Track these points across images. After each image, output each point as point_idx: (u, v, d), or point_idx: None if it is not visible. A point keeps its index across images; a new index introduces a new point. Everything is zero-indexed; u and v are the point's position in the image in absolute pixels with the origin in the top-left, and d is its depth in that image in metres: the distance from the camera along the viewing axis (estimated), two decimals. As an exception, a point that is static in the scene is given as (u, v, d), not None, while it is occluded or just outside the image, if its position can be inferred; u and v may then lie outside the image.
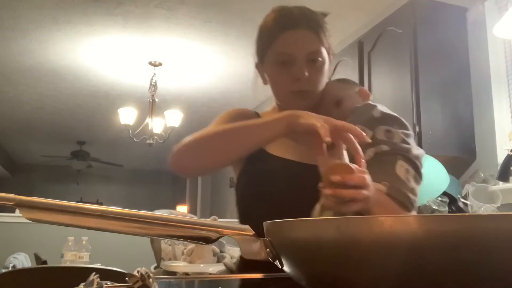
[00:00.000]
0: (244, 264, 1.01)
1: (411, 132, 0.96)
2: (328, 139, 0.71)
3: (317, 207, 0.80)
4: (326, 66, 1.03)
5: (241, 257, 1.04)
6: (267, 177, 1.01)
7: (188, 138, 0.92)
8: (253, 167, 1.03)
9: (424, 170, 0.92)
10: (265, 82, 1.09)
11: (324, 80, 1.03)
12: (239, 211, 1.08)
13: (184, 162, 0.93)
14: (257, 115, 1.13)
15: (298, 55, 0.99)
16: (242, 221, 1.05)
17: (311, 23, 1.02)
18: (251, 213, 1.01)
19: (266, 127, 0.84)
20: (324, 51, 1.02)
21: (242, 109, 1.15)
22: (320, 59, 1.01)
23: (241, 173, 1.06)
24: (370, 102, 1.03)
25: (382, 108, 0.99)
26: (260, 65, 1.09)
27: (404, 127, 0.97)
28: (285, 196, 0.96)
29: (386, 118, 0.97)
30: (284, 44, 1.00)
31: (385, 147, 0.90)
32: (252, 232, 0.48)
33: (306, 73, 0.98)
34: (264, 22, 1.06)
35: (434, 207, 2.13)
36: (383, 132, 0.94)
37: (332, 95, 1.03)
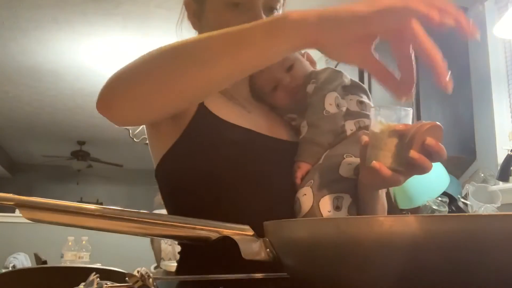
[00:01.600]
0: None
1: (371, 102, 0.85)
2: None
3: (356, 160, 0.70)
4: None
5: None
6: (227, 150, 0.74)
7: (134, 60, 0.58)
8: (202, 136, 0.73)
9: None
10: (196, 27, 0.85)
11: None
12: (176, 198, 0.79)
13: (128, 94, 0.57)
14: None
15: (256, 3, 0.76)
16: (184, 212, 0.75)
17: None
18: (205, 199, 0.74)
19: (271, 37, 0.48)
20: (282, 0, 0.80)
21: None
22: (278, 7, 0.79)
23: (180, 143, 0.74)
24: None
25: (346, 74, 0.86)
26: (195, 3, 0.83)
27: (369, 97, 0.86)
28: (258, 176, 0.76)
29: (355, 87, 0.85)
30: None
31: (367, 121, 0.78)
32: (252, 232, 0.48)
33: None
34: None
35: (434, 207, 2.13)
36: (356, 102, 0.82)
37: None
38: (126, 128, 4.39)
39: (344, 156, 0.75)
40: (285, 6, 0.83)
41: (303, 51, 0.88)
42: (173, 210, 0.80)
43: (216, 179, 0.74)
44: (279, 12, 0.80)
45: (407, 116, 0.62)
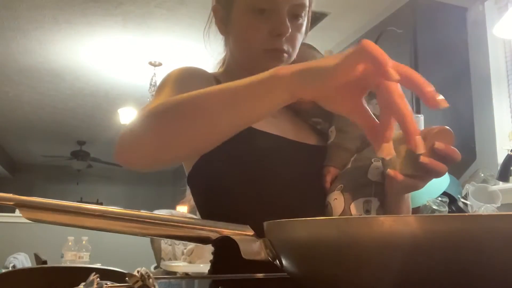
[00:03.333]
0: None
1: None
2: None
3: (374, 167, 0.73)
4: (305, 26, 0.84)
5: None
6: (258, 158, 0.78)
7: (141, 113, 0.62)
8: (234, 143, 0.71)
9: None
10: (222, 32, 0.88)
11: (300, 43, 0.84)
12: (210, 207, 0.82)
13: (140, 149, 0.61)
14: (217, 80, 0.87)
15: (282, 3, 0.78)
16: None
17: None
18: (239, 208, 0.77)
19: (264, 92, 0.52)
20: (307, 7, 0.82)
21: (198, 68, 0.88)
22: (303, 15, 0.82)
23: (213, 151, 0.71)
24: None
25: None
26: (223, 9, 0.86)
27: None
28: (289, 183, 0.79)
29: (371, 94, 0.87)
30: None
31: None
32: (252, 232, 0.48)
33: (289, 29, 0.79)
34: None
35: (434, 207, 2.13)
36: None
37: (303, 60, 0.87)
38: (126, 128, 4.39)
39: (372, 161, 0.77)
40: (310, 13, 0.85)
41: (319, 56, 0.91)
42: (206, 214, 0.83)
43: (250, 184, 0.77)
44: (304, 19, 0.83)
45: (418, 123, 0.64)
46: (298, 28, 0.81)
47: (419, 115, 0.65)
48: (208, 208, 0.83)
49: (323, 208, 0.79)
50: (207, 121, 0.55)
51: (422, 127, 0.66)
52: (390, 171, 0.66)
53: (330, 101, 0.50)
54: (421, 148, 0.47)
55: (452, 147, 0.60)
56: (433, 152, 0.60)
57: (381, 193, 0.74)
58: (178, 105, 0.58)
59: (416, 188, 0.66)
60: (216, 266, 0.84)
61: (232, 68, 0.90)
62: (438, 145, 0.59)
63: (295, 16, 0.81)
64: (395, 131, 0.59)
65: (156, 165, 0.64)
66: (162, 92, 0.76)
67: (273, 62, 0.80)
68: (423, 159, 0.59)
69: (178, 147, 0.59)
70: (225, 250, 0.79)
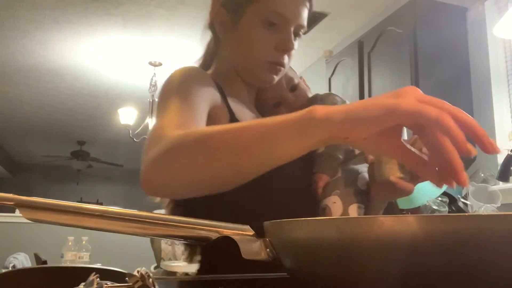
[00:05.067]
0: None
1: None
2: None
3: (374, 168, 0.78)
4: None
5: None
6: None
7: (167, 140, 0.59)
8: None
9: None
10: (221, 35, 0.89)
11: None
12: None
13: (169, 183, 0.58)
14: (218, 87, 0.84)
15: (291, 21, 0.83)
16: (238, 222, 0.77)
17: None
18: (250, 212, 0.73)
19: (301, 133, 0.50)
20: (305, 28, 0.87)
21: (197, 69, 0.88)
22: (301, 34, 0.87)
23: None
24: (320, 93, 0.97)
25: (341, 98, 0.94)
26: (228, 14, 0.88)
27: None
28: (289, 184, 0.82)
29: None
30: (281, 4, 0.83)
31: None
32: (252, 232, 0.48)
33: (296, 45, 0.84)
34: None
35: (434, 207, 2.13)
36: None
37: (288, 78, 0.93)
38: (126, 128, 4.39)
39: (359, 171, 0.85)
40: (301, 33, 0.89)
41: (299, 75, 0.97)
42: (204, 214, 0.80)
43: (252, 184, 0.74)
44: (300, 37, 0.87)
45: (402, 133, 0.64)
46: (295, 45, 0.86)
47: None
48: (205, 209, 0.77)
49: (317, 211, 0.83)
50: (238, 155, 0.53)
51: (405, 136, 0.64)
52: (393, 178, 0.71)
53: (368, 143, 0.48)
54: (467, 183, 0.46)
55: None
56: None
57: (366, 201, 0.82)
58: (211, 137, 0.56)
59: (407, 192, 0.72)
60: (205, 267, 0.84)
61: (225, 71, 0.90)
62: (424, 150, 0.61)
63: (296, 34, 0.86)
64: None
65: (181, 196, 0.64)
66: (169, 102, 0.72)
67: (271, 74, 0.85)
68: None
69: (205, 183, 0.57)
70: (216, 251, 0.79)
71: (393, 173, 0.72)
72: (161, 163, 0.57)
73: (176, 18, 3.46)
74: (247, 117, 0.83)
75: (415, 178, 0.71)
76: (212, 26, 0.92)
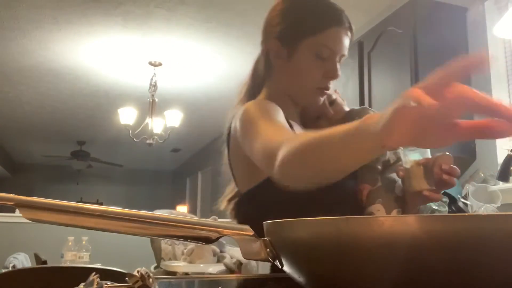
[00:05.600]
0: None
1: None
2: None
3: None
4: None
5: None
6: None
7: (292, 144, 0.73)
8: None
9: None
10: (276, 66, 1.02)
11: None
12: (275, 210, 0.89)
13: (298, 172, 0.74)
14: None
15: (337, 53, 0.98)
16: None
17: (351, 25, 1.02)
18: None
19: (355, 144, 0.59)
20: None
21: (266, 101, 0.99)
22: (340, 63, 1.02)
23: None
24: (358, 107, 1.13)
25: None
26: (282, 47, 1.00)
27: None
28: (345, 195, 0.95)
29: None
30: (333, 40, 0.97)
31: (399, 152, 1.00)
32: (252, 232, 0.48)
33: (340, 73, 0.98)
34: (310, 10, 1.00)
35: (434, 207, 2.13)
36: None
37: (327, 94, 1.06)
38: (126, 128, 4.39)
39: (396, 180, 0.97)
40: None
41: (335, 89, 1.10)
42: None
43: (317, 195, 0.84)
44: (341, 63, 1.02)
45: (426, 152, 0.88)
46: (339, 73, 1.01)
47: (426, 149, 0.90)
48: (275, 207, 0.89)
49: None
50: (331, 160, 0.65)
51: (429, 155, 0.88)
52: (425, 192, 0.86)
53: (423, 141, 0.49)
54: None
55: (452, 166, 0.83)
56: (441, 171, 0.84)
57: (403, 205, 0.94)
58: (318, 146, 0.67)
59: (435, 199, 0.87)
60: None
61: (278, 93, 1.03)
62: (444, 166, 0.83)
63: (339, 61, 1.01)
64: (411, 160, 0.88)
65: (306, 184, 0.76)
66: (258, 125, 0.85)
67: (319, 97, 1.01)
68: (445, 176, 0.83)
69: (320, 176, 0.70)
70: None
71: (421, 186, 0.86)
72: (294, 163, 0.71)
73: (176, 18, 3.46)
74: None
75: (440, 187, 0.85)
76: (266, 54, 1.04)
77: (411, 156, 0.89)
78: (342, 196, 0.94)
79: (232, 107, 1.08)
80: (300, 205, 0.84)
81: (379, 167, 1.00)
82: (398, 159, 1.02)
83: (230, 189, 1.12)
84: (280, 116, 0.90)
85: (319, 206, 0.83)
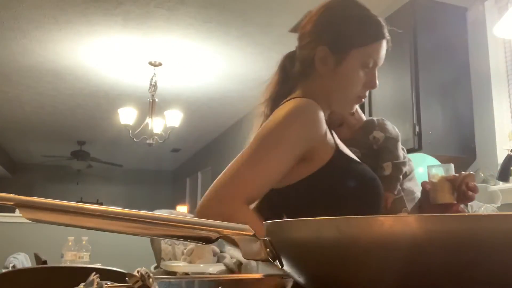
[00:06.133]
0: None
1: None
2: None
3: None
4: None
5: None
6: (372, 177, 1.01)
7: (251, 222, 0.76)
8: (340, 169, 0.98)
9: (423, 170, 1.05)
10: (320, 71, 1.03)
11: None
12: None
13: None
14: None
15: (378, 64, 1.04)
16: None
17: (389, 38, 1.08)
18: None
19: None
20: None
21: (311, 107, 1.01)
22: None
23: (336, 171, 0.97)
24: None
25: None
26: (331, 54, 1.02)
27: None
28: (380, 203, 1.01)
29: (398, 135, 1.23)
30: (378, 52, 1.03)
31: (411, 165, 1.16)
32: (252, 232, 0.48)
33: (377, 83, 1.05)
34: (361, 22, 1.04)
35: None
36: (400, 148, 1.18)
37: None
38: (126, 128, 4.39)
39: (414, 191, 1.10)
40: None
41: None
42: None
43: (361, 200, 0.98)
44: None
45: (451, 168, 1.01)
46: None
47: (451, 164, 1.02)
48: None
49: None
50: None
51: (453, 172, 1.01)
52: (454, 203, 0.99)
53: None
54: None
55: (475, 184, 1.00)
56: (467, 188, 0.99)
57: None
58: None
59: (457, 212, 0.99)
60: None
61: (317, 98, 1.03)
62: (470, 183, 0.98)
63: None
64: (438, 175, 1.00)
65: None
66: (260, 149, 0.92)
67: (355, 105, 1.08)
68: (471, 194, 0.99)
69: None
70: None
71: (446, 199, 0.97)
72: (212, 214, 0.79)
73: (176, 18, 3.46)
74: (344, 148, 1.03)
75: (461, 200, 0.99)
76: (307, 58, 1.05)
77: (436, 171, 1.00)
78: (379, 200, 1.01)
79: (257, 106, 1.10)
80: (338, 205, 0.93)
81: (401, 177, 1.10)
82: (411, 170, 1.14)
83: None
84: (297, 141, 0.93)
85: (354, 206, 0.95)
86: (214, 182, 0.88)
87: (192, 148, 8.20)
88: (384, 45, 1.05)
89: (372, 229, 0.34)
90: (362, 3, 1.08)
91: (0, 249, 3.90)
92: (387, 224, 0.33)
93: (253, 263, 3.43)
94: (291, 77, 1.09)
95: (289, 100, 1.00)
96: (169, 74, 4.55)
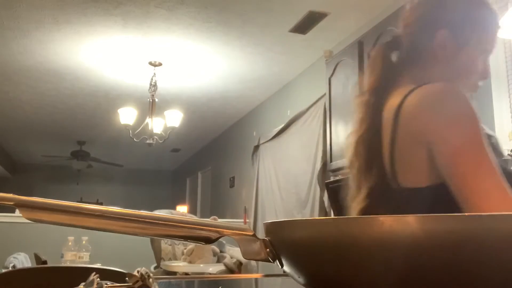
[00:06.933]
0: None
1: None
2: None
3: None
4: None
5: None
6: None
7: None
8: None
9: None
10: (440, 58, 1.01)
11: None
12: None
13: None
14: None
15: (490, 54, 1.07)
16: None
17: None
18: None
19: None
20: None
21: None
22: None
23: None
24: None
25: None
26: (453, 40, 1.00)
27: None
28: None
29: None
30: (492, 40, 1.09)
31: None
32: (252, 232, 0.48)
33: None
34: (482, 7, 1.09)
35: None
36: None
37: None
38: (126, 128, 4.39)
39: None
40: None
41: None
42: None
43: None
44: None
45: None
46: None
47: None
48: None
49: None
50: None
51: None
52: None
53: None
54: None
55: None
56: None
57: None
58: None
59: None
60: None
61: None
62: None
63: None
64: None
65: None
66: (485, 154, 0.87)
67: (470, 94, 1.04)
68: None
69: None
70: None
71: None
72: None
73: (176, 18, 3.46)
74: None
75: None
76: (418, 41, 1.00)
77: None
78: None
79: (354, 97, 1.04)
80: None
81: None
82: None
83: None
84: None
85: None
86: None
87: (192, 148, 8.20)
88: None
89: (372, 229, 0.34)
90: None
91: (0, 249, 3.90)
92: (387, 224, 0.33)
93: (253, 263, 3.43)
94: (395, 65, 1.04)
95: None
96: (169, 74, 4.55)
